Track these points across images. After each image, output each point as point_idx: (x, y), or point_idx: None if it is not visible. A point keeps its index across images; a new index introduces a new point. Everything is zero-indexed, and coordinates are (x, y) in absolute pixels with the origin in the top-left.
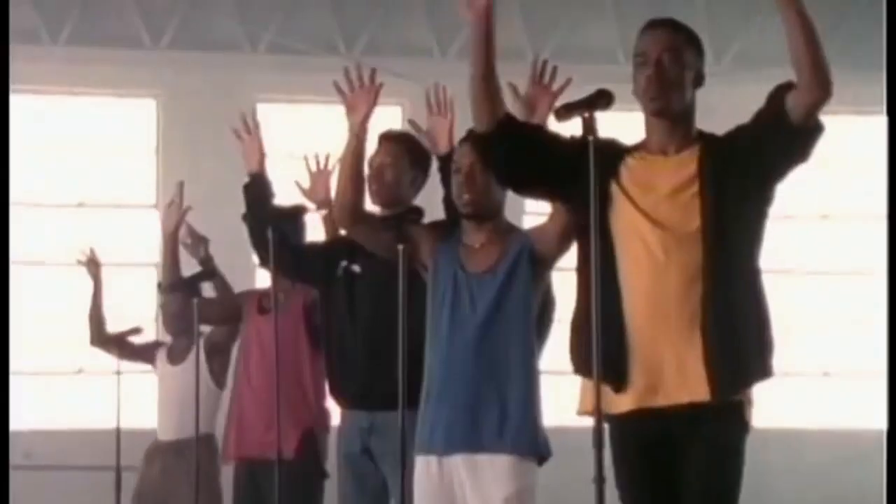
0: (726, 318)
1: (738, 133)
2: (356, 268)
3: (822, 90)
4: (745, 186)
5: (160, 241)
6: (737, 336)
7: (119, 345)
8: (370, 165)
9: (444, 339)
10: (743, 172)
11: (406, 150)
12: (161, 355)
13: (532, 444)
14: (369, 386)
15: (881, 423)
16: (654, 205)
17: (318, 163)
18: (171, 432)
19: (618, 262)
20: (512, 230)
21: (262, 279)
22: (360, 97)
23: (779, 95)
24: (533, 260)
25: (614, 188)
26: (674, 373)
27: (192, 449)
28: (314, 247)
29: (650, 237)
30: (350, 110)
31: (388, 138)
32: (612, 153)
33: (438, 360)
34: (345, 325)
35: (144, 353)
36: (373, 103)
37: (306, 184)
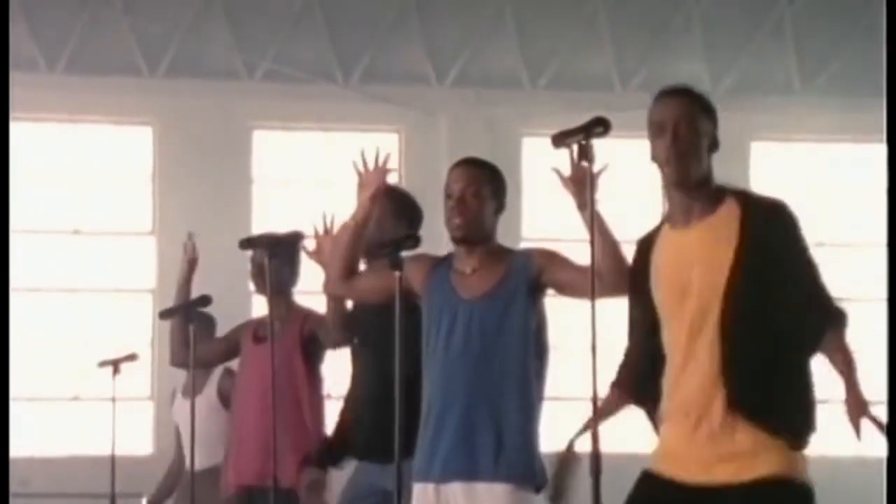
0: None
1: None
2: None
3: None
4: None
5: (178, 278)
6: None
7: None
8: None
9: (439, 367)
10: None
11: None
12: (178, 389)
13: (528, 474)
14: (380, 440)
15: (879, 450)
16: (683, 279)
17: (324, 224)
18: (196, 462)
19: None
20: (507, 253)
21: (258, 306)
22: (372, 175)
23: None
24: (533, 285)
25: (652, 260)
26: None
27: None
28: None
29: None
30: (362, 187)
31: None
32: (650, 235)
33: (435, 387)
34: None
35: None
36: (383, 182)
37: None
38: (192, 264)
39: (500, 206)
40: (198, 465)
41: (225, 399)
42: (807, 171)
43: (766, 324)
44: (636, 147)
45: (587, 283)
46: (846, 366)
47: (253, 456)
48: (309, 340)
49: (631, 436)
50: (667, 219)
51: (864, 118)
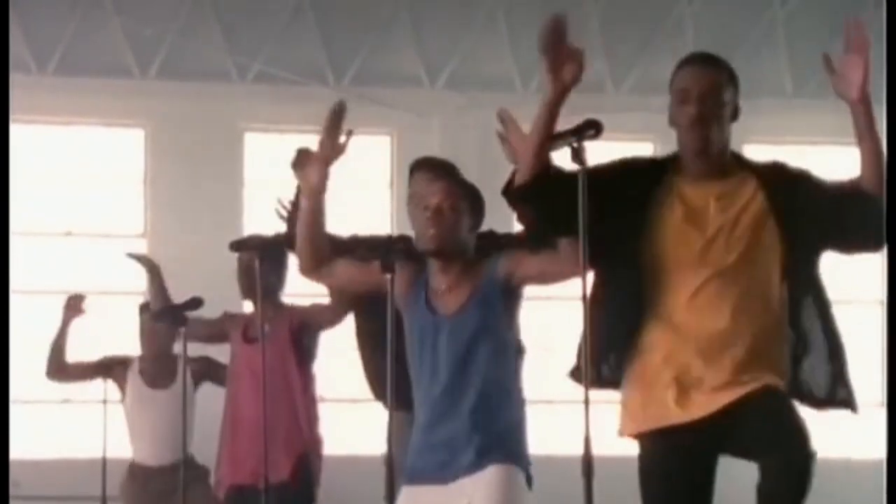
0: None
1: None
2: None
3: None
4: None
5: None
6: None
7: (78, 372)
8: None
9: (424, 384)
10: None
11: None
12: (133, 377)
13: (518, 457)
14: None
15: (876, 453)
16: (700, 236)
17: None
18: (161, 458)
19: (649, 289)
20: (480, 263)
21: (249, 307)
22: (331, 141)
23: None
24: (504, 291)
25: (654, 213)
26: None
27: (187, 471)
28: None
29: (695, 267)
30: (315, 156)
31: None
32: (655, 172)
33: (420, 401)
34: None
35: (107, 371)
36: (342, 149)
37: None
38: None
39: (476, 224)
40: (163, 461)
41: (197, 384)
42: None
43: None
44: (629, 149)
45: (555, 268)
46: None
47: (248, 456)
48: (300, 337)
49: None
50: (672, 171)
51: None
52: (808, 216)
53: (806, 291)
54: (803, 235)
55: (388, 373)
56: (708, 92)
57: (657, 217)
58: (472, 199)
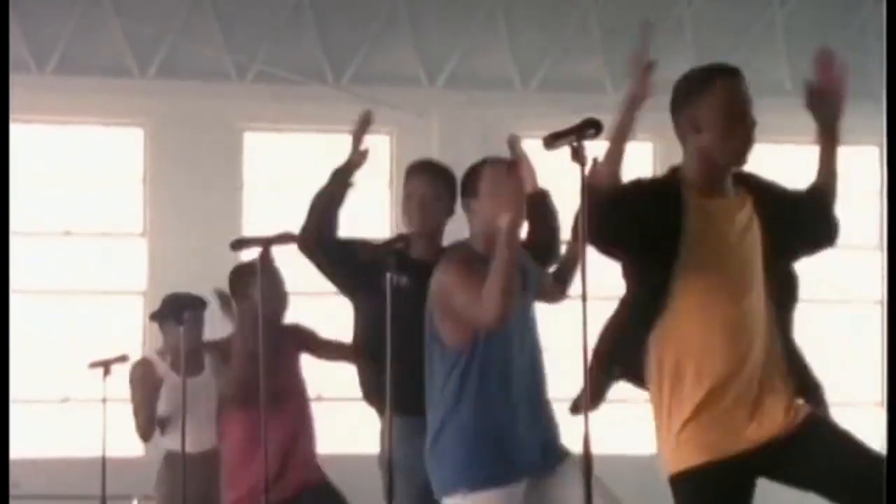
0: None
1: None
2: (403, 280)
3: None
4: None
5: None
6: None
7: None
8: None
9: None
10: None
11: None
12: (165, 369)
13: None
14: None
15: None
16: (726, 246)
17: None
18: (204, 444)
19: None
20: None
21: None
22: None
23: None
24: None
25: (685, 226)
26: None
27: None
28: (358, 250)
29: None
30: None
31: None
32: (669, 191)
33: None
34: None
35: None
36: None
37: None
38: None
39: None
40: (194, 448)
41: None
42: (798, 172)
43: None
44: (627, 149)
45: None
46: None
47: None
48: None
49: (624, 438)
50: (686, 186)
51: (856, 120)
52: (785, 224)
53: (789, 300)
54: (782, 243)
55: (386, 373)
56: (750, 106)
57: (686, 236)
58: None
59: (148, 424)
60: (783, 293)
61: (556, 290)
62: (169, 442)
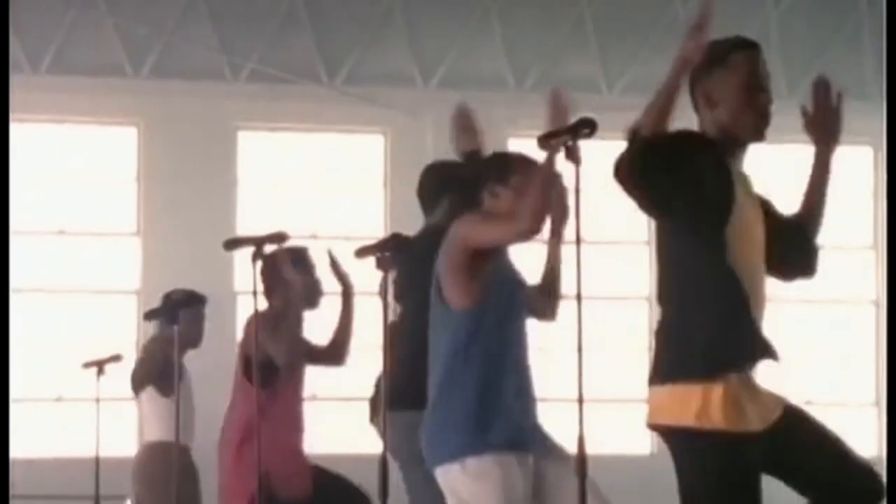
0: None
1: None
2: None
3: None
4: None
5: None
6: None
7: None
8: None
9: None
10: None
11: None
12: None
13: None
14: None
15: (869, 451)
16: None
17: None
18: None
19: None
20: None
21: (243, 306)
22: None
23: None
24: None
25: (735, 192)
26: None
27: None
28: None
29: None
30: None
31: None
32: (722, 153)
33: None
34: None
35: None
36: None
37: None
38: None
39: None
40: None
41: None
42: (793, 174)
43: None
44: (622, 148)
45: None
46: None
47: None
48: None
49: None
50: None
51: (850, 122)
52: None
53: None
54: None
55: (382, 370)
56: (768, 78)
57: (732, 202)
58: None
59: None
60: None
61: (544, 304)
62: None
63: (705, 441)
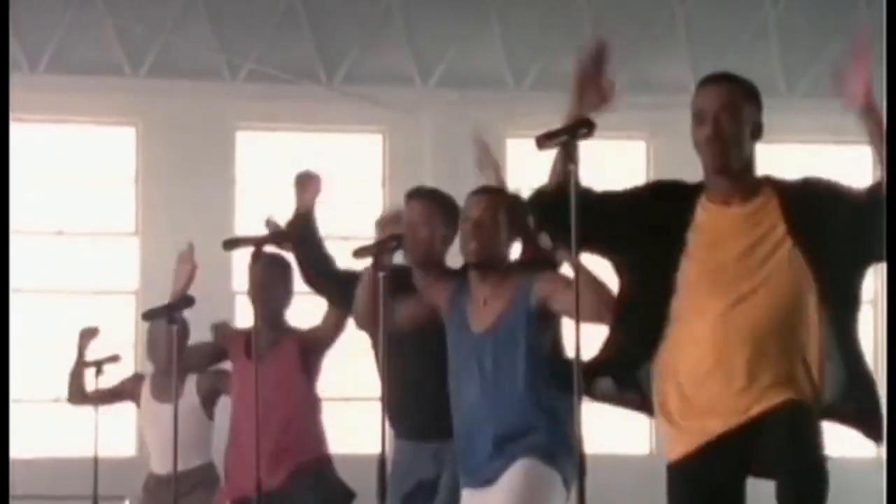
0: None
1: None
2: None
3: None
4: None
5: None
6: None
7: (98, 398)
8: (405, 224)
9: (462, 399)
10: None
11: (438, 207)
12: (145, 391)
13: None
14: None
15: (868, 451)
16: (721, 262)
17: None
18: (170, 466)
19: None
20: (515, 274)
21: (242, 307)
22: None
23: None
24: (537, 313)
25: (689, 237)
26: None
27: (190, 479)
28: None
29: (717, 293)
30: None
31: (418, 196)
32: (684, 197)
33: (458, 418)
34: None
35: (123, 393)
36: None
37: None
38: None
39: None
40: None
41: (206, 399)
42: (792, 172)
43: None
44: (620, 148)
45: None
46: None
47: (250, 470)
48: (308, 358)
49: (617, 437)
50: (702, 191)
51: (849, 120)
52: (836, 236)
53: (849, 311)
54: (835, 256)
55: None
56: (722, 110)
57: (688, 240)
58: (511, 211)
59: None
60: (840, 309)
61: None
62: (151, 462)
63: None
